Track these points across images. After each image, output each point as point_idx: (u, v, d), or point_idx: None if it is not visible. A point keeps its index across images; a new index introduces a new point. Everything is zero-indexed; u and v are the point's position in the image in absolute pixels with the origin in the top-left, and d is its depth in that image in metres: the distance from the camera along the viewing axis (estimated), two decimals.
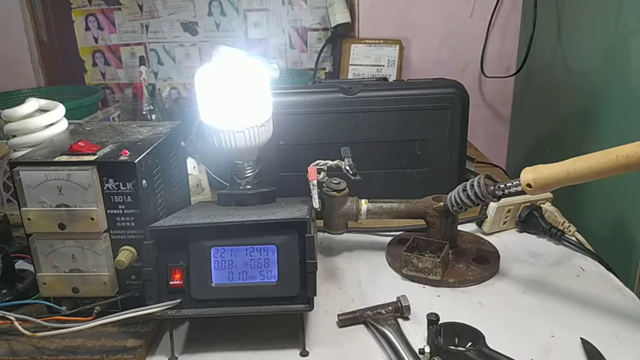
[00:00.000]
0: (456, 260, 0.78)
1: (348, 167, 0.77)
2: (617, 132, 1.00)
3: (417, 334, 0.64)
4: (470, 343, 0.60)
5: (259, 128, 0.72)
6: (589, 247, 0.83)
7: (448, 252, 0.77)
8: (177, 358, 0.62)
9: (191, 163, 1.02)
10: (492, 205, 0.86)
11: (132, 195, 0.62)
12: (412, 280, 0.76)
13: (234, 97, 0.71)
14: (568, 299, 0.71)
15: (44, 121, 0.83)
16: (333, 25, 1.48)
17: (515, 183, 0.68)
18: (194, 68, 0.75)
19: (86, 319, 0.62)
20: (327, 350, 0.62)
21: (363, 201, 0.80)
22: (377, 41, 1.47)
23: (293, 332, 0.63)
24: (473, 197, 0.72)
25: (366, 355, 0.62)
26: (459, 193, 0.74)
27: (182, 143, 0.80)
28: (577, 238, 0.85)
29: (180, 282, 0.60)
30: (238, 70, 0.72)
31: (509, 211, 0.88)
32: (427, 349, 0.58)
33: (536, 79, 1.42)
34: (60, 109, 0.86)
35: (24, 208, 0.62)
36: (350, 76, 1.46)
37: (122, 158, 0.62)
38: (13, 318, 0.62)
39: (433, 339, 0.59)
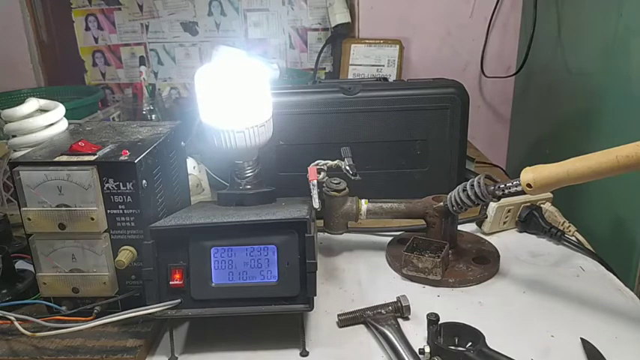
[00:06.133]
0: (456, 260, 0.78)
1: (348, 167, 0.77)
2: (617, 132, 1.00)
3: (417, 334, 0.64)
4: (470, 343, 0.60)
5: (259, 128, 0.72)
6: (589, 247, 0.83)
7: (448, 252, 0.77)
8: (177, 358, 0.62)
9: (191, 163, 1.02)
10: (492, 205, 0.86)
11: (132, 195, 0.62)
12: (412, 280, 0.76)
13: (234, 97, 0.71)
14: (568, 299, 0.71)
15: (44, 121, 0.83)
16: (333, 25, 1.48)
17: (515, 183, 0.68)
18: (194, 68, 0.75)
19: (86, 319, 0.62)
20: (327, 350, 0.62)
21: (363, 201, 0.80)
22: (377, 41, 1.47)
23: (293, 332, 0.63)
24: (473, 197, 0.72)
25: (366, 355, 0.62)
26: (459, 193, 0.74)
27: (182, 143, 0.80)
28: (577, 238, 0.85)
29: (180, 282, 0.60)
30: (238, 70, 0.72)
31: (509, 211, 0.88)
32: (427, 349, 0.58)
33: (536, 79, 1.42)
34: (60, 109, 0.86)
35: (24, 208, 0.62)
36: (350, 76, 1.46)
37: (122, 158, 0.62)
38: (13, 318, 0.62)
39: (433, 339, 0.59)
